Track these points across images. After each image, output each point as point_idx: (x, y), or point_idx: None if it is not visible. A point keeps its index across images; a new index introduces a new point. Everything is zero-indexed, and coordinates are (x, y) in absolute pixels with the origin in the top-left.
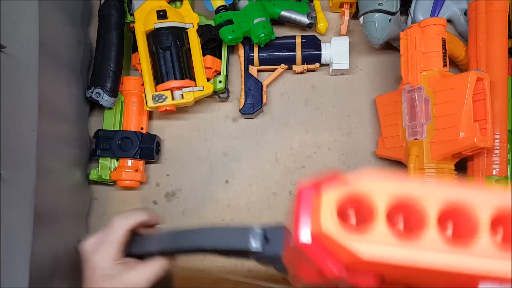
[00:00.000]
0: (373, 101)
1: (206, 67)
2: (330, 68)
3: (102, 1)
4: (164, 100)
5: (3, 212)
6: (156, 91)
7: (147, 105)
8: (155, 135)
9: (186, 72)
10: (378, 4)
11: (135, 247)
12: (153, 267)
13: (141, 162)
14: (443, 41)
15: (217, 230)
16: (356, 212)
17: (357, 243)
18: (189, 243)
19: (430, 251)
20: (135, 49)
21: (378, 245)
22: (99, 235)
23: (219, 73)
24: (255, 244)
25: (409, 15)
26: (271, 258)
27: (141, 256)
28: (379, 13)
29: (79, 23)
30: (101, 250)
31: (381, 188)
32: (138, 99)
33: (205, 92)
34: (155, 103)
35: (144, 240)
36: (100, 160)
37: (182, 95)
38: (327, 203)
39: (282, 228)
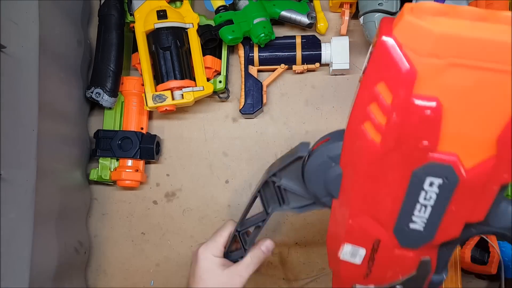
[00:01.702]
0: None
1: (206, 67)
2: (330, 68)
3: (102, 1)
4: (164, 100)
5: (3, 212)
6: (156, 91)
7: (147, 105)
8: (155, 135)
9: (186, 72)
10: (378, 4)
11: (228, 245)
12: (245, 263)
13: (141, 162)
14: None
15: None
16: None
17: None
18: (252, 194)
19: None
20: (135, 49)
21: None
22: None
23: (219, 73)
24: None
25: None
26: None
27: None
28: (379, 13)
29: (79, 23)
30: (205, 244)
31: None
32: (138, 99)
33: (205, 92)
34: (155, 103)
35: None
36: (100, 160)
37: (182, 95)
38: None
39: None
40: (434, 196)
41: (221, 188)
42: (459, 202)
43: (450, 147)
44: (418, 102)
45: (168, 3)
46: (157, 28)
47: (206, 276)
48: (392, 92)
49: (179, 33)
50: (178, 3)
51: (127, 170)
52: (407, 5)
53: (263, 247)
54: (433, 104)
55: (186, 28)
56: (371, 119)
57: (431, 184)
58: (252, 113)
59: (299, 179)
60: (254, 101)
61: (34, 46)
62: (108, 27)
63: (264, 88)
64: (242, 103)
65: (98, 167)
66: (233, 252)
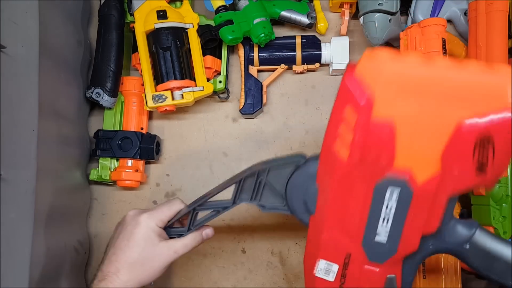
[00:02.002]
0: None
1: (206, 67)
2: (330, 68)
3: (102, 1)
4: (164, 100)
5: (3, 212)
6: (156, 91)
7: (147, 105)
8: (155, 135)
9: (186, 72)
10: (378, 4)
11: (174, 218)
12: (185, 241)
13: (141, 162)
14: (443, 41)
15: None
16: None
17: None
18: (231, 180)
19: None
20: (135, 49)
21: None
22: (149, 208)
23: (219, 73)
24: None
25: (409, 15)
26: (308, 174)
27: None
28: (379, 13)
29: (79, 23)
30: (150, 213)
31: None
32: (138, 99)
33: (205, 92)
34: (155, 103)
35: (182, 212)
36: (100, 160)
37: (182, 95)
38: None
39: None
40: (393, 209)
41: None
42: (415, 214)
43: (405, 163)
44: (375, 125)
45: (168, 3)
46: (157, 28)
47: (144, 243)
48: (355, 115)
49: (179, 33)
50: (178, 3)
51: (127, 170)
52: (367, 50)
53: (204, 233)
54: (387, 126)
55: (186, 28)
56: (340, 137)
57: (390, 197)
58: (252, 113)
59: (283, 186)
60: (254, 101)
61: (34, 46)
62: (108, 27)
63: (264, 88)
64: (242, 103)
65: (98, 167)
66: (172, 228)
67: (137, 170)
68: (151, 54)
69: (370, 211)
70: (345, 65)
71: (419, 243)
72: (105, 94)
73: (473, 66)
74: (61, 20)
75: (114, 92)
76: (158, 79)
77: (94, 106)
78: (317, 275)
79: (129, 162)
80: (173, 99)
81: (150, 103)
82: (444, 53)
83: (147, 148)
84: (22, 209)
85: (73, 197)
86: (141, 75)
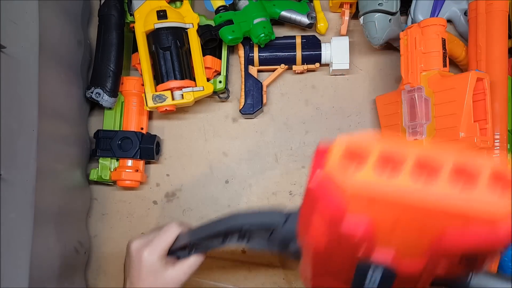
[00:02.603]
0: (373, 101)
1: (206, 67)
2: (330, 68)
3: (102, 1)
4: (164, 100)
5: (3, 212)
6: (156, 91)
7: (147, 105)
8: (155, 135)
9: (186, 72)
10: (378, 4)
11: (174, 246)
12: (189, 263)
13: (141, 162)
14: (443, 41)
15: (244, 212)
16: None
17: (347, 177)
18: (218, 226)
19: (401, 186)
20: (135, 49)
21: (363, 178)
22: (148, 235)
23: (219, 73)
24: (279, 218)
25: (409, 15)
26: (288, 234)
27: (179, 257)
28: (379, 13)
29: (79, 23)
30: (151, 247)
31: (375, 143)
32: (138, 99)
33: (205, 92)
34: (155, 103)
35: (180, 238)
36: (100, 160)
37: (182, 95)
38: (335, 151)
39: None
40: (376, 285)
41: (221, 188)
42: None
43: (387, 247)
44: (347, 225)
45: (168, 3)
46: (157, 28)
47: (153, 277)
48: (326, 215)
49: (179, 33)
50: (178, 3)
51: (127, 170)
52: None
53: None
54: (363, 224)
55: (186, 28)
56: (314, 227)
57: (373, 277)
58: (252, 113)
59: (266, 240)
60: (254, 101)
61: (34, 46)
62: (108, 27)
63: (264, 88)
64: (242, 103)
65: (98, 167)
66: (176, 249)
67: (137, 170)
68: (151, 54)
69: (353, 282)
70: (345, 65)
71: None
72: (105, 94)
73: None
74: (61, 20)
75: (114, 92)
76: (158, 79)
77: (94, 106)
78: None
79: (129, 162)
80: (173, 99)
81: (150, 103)
82: (444, 53)
83: (147, 148)
84: (22, 209)
85: (73, 197)
86: (141, 75)
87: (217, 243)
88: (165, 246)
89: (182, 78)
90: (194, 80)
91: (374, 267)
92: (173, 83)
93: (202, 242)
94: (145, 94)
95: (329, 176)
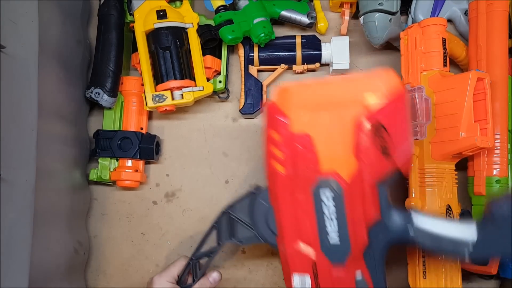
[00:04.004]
0: None
1: (206, 67)
2: (330, 68)
3: (102, 1)
4: (164, 100)
5: (3, 212)
6: (156, 91)
7: (147, 105)
8: (155, 135)
9: (186, 72)
10: (378, 4)
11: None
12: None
13: (141, 162)
14: (444, 41)
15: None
16: None
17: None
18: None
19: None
20: (135, 49)
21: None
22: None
23: (219, 73)
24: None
25: (410, 15)
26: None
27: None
28: (379, 13)
29: (79, 23)
30: (161, 273)
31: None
32: (137, 99)
33: (205, 92)
34: (155, 103)
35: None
36: (100, 160)
37: (182, 95)
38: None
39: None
40: (332, 208)
41: (221, 188)
42: (352, 208)
43: (329, 165)
44: (295, 139)
45: (168, 3)
46: (156, 28)
47: None
48: (279, 136)
49: (179, 33)
50: (178, 3)
51: (126, 170)
52: (278, 87)
53: (211, 278)
54: (305, 138)
55: (186, 28)
56: (274, 156)
57: (327, 198)
58: (252, 113)
59: (250, 215)
60: (254, 101)
61: (34, 46)
62: (107, 27)
63: (264, 88)
64: (242, 103)
65: (97, 167)
66: (185, 284)
67: (136, 170)
68: (151, 54)
69: (316, 216)
70: (345, 65)
71: (367, 236)
72: (104, 94)
73: (347, 77)
74: (61, 20)
75: (114, 92)
76: (158, 79)
77: (94, 106)
78: None
79: (129, 162)
80: (173, 99)
81: (150, 103)
82: (445, 53)
83: (146, 148)
84: (22, 209)
85: (73, 197)
86: (141, 75)
87: (213, 249)
88: (173, 272)
89: (182, 78)
90: (194, 80)
91: (324, 189)
92: (173, 83)
93: (201, 256)
94: (145, 94)
95: (277, 101)
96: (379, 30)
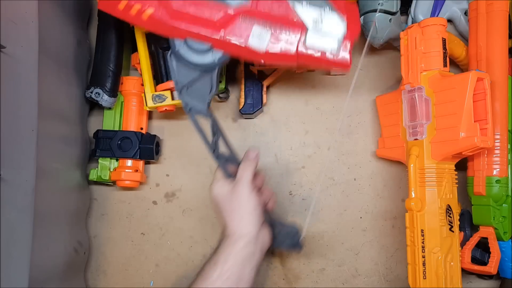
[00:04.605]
0: (373, 101)
1: None
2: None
3: None
4: (164, 100)
5: (3, 212)
6: (156, 91)
7: (146, 105)
8: (155, 135)
9: None
10: (378, 4)
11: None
12: (240, 172)
13: (141, 162)
14: (444, 41)
15: None
16: None
17: None
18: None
19: None
20: (134, 49)
21: None
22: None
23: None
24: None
25: (409, 15)
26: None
27: None
28: (379, 13)
29: (79, 23)
30: (214, 185)
31: None
32: (137, 99)
33: None
34: (154, 103)
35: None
36: (100, 160)
37: None
38: None
39: None
40: None
41: None
42: None
43: None
44: None
45: None
46: None
47: (226, 203)
48: None
49: None
50: None
51: (126, 171)
52: None
53: (244, 155)
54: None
55: None
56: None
57: None
58: (252, 113)
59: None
60: (254, 101)
61: (34, 46)
62: (107, 27)
63: (264, 88)
64: (242, 103)
65: (97, 167)
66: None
67: (136, 170)
68: (151, 54)
69: None
70: None
71: None
72: (104, 94)
73: None
74: (61, 20)
75: (114, 92)
76: (158, 79)
77: (94, 106)
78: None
79: (129, 162)
80: (172, 99)
81: (150, 103)
82: (445, 53)
83: (146, 148)
84: (21, 209)
85: (73, 197)
86: (141, 75)
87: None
88: (219, 175)
89: None
90: None
91: None
92: (173, 83)
93: (216, 149)
94: (145, 94)
95: None
96: (379, 30)
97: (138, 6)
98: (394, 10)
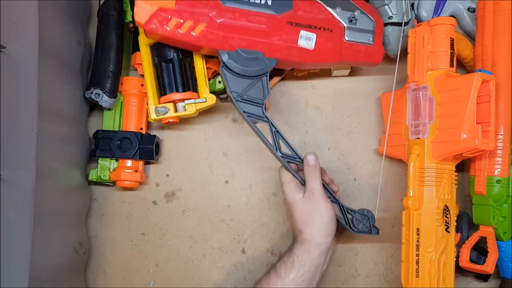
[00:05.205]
0: (373, 101)
1: (206, 67)
2: (332, 72)
3: (102, 2)
4: (167, 112)
5: (3, 212)
6: (159, 103)
7: (150, 117)
8: (155, 136)
9: (189, 84)
10: (388, 18)
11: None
12: (306, 176)
13: (141, 163)
14: (452, 41)
15: None
16: None
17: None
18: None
19: None
20: (134, 49)
21: None
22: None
23: (218, 73)
24: None
25: (413, 11)
26: None
27: None
28: (392, 26)
29: (79, 23)
30: (286, 191)
31: None
32: (137, 100)
33: (208, 104)
34: (157, 115)
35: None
36: (100, 161)
37: (185, 107)
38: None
39: None
40: None
41: (221, 188)
42: None
43: None
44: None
45: None
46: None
47: (302, 209)
48: None
49: None
50: None
51: (126, 171)
52: None
53: (309, 162)
54: None
55: None
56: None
57: None
58: None
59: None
60: None
61: (34, 46)
62: (107, 27)
63: None
64: None
65: (97, 168)
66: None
67: (136, 171)
68: (154, 66)
69: None
70: (345, 72)
71: None
72: (104, 94)
73: None
74: (61, 20)
75: (114, 93)
76: (161, 91)
77: (94, 106)
78: None
79: (129, 163)
80: (176, 111)
81: (153, 115)
82: (452, 53)
83: (146, 148)
84: (21, 209)
85: (73, 197)
86: (144, 85)
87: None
88: (288, 179)
89: (184, 91)
90: (197, 91)
91: None
92: (176, 95)
93: (284, 157)
94: (148, 106)
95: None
96: (392, 43)
97: (190, 23)
98: (406, 21)
